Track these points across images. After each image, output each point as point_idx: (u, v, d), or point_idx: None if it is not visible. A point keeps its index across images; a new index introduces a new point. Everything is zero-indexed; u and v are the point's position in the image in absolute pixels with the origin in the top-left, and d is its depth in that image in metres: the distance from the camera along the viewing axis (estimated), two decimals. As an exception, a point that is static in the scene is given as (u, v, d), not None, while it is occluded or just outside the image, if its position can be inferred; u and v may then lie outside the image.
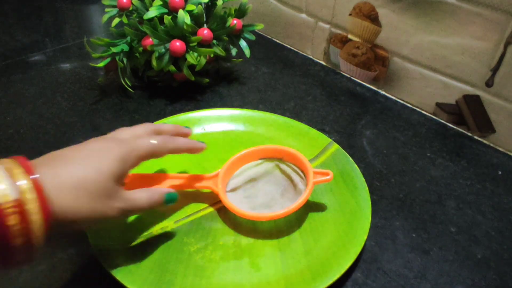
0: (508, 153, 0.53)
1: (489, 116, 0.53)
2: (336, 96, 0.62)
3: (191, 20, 0.55)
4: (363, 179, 0.44)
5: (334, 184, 0.45)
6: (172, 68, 0.54)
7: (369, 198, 0.42)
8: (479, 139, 0.55)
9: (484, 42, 0.50)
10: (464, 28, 0.51)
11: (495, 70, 0.50)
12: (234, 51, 0.62)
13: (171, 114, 0.53)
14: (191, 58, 0.54)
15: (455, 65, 0.54)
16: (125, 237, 0.38)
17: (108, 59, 0.56)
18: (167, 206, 0.36)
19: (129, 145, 0.34)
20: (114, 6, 0.60)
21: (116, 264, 0.35)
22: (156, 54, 0.53)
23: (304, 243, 0.39)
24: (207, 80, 0.60)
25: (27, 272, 0.36)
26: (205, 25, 0.57)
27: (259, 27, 0.61)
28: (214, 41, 0.57)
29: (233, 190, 0.42)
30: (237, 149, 0.48)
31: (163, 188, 0.36)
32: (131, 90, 0.58)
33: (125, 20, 0.58)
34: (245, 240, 0.39)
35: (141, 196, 0.34)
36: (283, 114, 0.54)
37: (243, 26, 0.61)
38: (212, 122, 0.52)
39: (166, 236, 0.39)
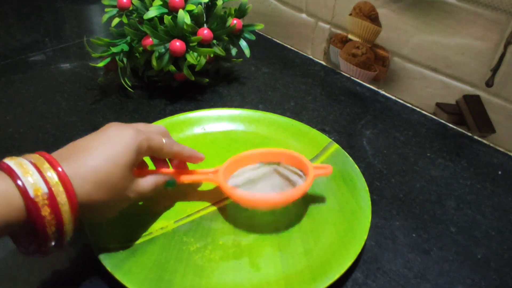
0: (508, 153, 0.53)
1: (489, 116, 0.53)
2: (336, 96, 0.62)
3: (191, 20, 0.55)
4: (363, 179, 0.44)
5: (334, 184, 0.45)
6: (172, 68, 0.54)
7: (369, 198, 0.42)
8: (479, 139, 0.55)
9: (484, 42, 0.50)
10: (464, 28, 0.51)
11: (495, 70, 0.50)
12: (234, 51, 0.62)
13: (171, 114, 0.53)
14: (191, 58, 0.54)
15: (455, 65, 0.54)
16: (125, 237, 0.38)
17: (108, 59, 0.56)
18: (169, 189, 0.40)
19: (145, 135, 0.36)
20: (114, 6, 0.60)
21: (116, 263, 0.35)
22: (156, 54, 0.53)
23: (304, 243, 0.39)
24: (207, 80, 0.60)
25: (27, 272, 0.36)
26: (205, 25, 0.57)
27: (259, 27, 0.61)
28: (214, 41, 0.57)
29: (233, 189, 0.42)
30: (237, 149, 0.48)
31: (166, 176, 0.39)
32: (131, 90, 0.58)
33: (125, 20, 0.58)
34: (244, 240, 0.39)
35: (148, 183, 0.36)
36: (283, 114, 0.54)
37: (243, 26, 0.61)
38: (212, 122, 0.52)
39: (166, 236, 0.39)
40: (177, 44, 0.53)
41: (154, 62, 0.54)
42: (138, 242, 0.38)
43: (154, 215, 0.41)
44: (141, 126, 0.38)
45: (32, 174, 0.28)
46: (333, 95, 0.62)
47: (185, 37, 0.54)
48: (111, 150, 0.33)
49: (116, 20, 0.60)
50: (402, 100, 0.61)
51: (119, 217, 0.39)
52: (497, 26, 0.48)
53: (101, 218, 0.37)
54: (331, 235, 0.39)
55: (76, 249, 0.38)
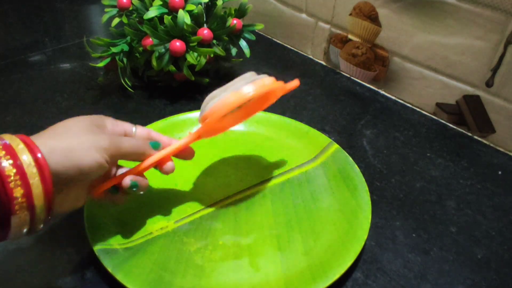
0: (508, 153, 0.53)
1: (489, 116, 0.53)
2: (336, 96, 0.62)
3: (191, 20, 0.55)
4: (363, 179, 0.44)
5: (334, 184, 0.45)
6: (172, 68, 0.54)
7: (369, 198, 0.42)
8: (479, 139, 0.55)
9: (484, 42, 0.50)
10: (464, 28, 0.51)
11: (495, 70, 0.50)
12: (234, 51, 0.62)
13: (171, 114, 0.53)
14: (191, 58, 0.54)
15: (455, 65, 0.54)
16: (125, 237, 0.38)
17: (108, 59, 0.56)
18: (155, 151, 0.37)
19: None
20: (114, 6, 0.60)
21: (116, 264, 0.35)
22: (156, 54, 0.53)
23: (304, 243, 0.39)
24: (207, 80, 0.60)
25: (27, 271, 0.36)
26: (205, 25, 0.57)
27: (259, 27, 0.61)
28: (214, 41, 0.57)
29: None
30: (237, 149, 0.48)
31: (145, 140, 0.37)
32: (131, 90, 0.58)
33: (125, 20, 0.58)
34: (244, 240, 0.39)
35: (128, 138, 0.35)
36: (283, 114, 0.54)
37: (243, 26, 0.61)
38: (212, 122, 0.52)
39: (166, 236, 0.39)
40: (177, 44, 0.53)
41: (154, 62, 0.54)
42: (138, 242, 0.38)
43: (154, 215, 0.41)
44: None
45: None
46: (333, 95, 0.62)
47: (185, 37, 0.53)
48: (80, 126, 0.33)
49: (116, 20, 0.60)
50: (402, 100, 0.61)
51: (119, 217, 0.39)
52: (497, 26, 0.48)
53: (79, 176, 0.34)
54: (331, 235, 0.39)
55: (77, 249, 0.38)
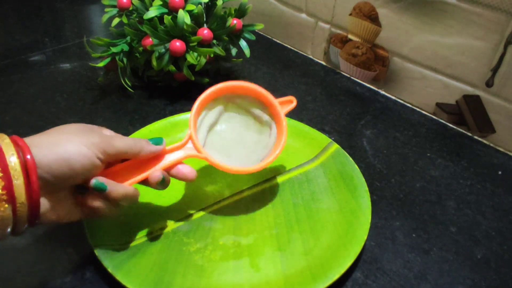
0: (508, 153, 0.53)
1: (489, 116, 0.53)
2: (336, 96, 0.62)
3: (191, 20, 0.55)
4: (363, 179, 0.44)
5: (334, 184, 0.45)
6: (172, 68, 0.54)
7: (369, 198, 0.42)
8: (479, 139, 0.55)
9: (484, 42, 0.50)
10: (464, 28, 0.51)
11: (495, 70, 0.50)
12: (234, 51, 0.62)
13: (171, 114, 0.53)
14: (191, 58, 0.54)
15: (455, 65, 0.54)
16: (125, 237, 0.38)
17: (108, 59, 0.56)
18: (157, 149, 0.36)
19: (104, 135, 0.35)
20: (114, 6, 0.60)
21: (116, 264, 0.35)
22: (156, 54, 0.53)
23: (304, 243, 0.39)
24: (207, 80, 0.60)
25: (27, 271, 0.36)
26: (205, 25, 0.57)
27: (259, 27, 0.61)
28: (214, 41, 0.57)
29: (203, 146, 0.40)
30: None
31: (145, 141, 0.36)
32: (131, 90, 0.58)
33: (125, 20, 0.58)
34: (244, 240, 0.39)
35: (126, 139, 0.35)
36: (283, 114, 0.54)
37: (243, 26, 0.61)
38: (212, 122, 0.52)
39: (166, 236, 0.39)
40: (177, 44, 0.53)
41: (154, 62, 0.54)
42: (138, 242, 0.38)
43: (154, 215, 0.41)
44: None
45: None
46: (333, 95, 0.62)
47: (185, 37, 0.53)
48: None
49: (116, 20, 0.60)
50: (402, 100, 0.61)
51: (119, 217, 0.39)
52: (497, 26, 0.48)
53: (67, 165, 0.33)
54: (331, 235, 0.39)
55: (77, 250, 0.38)
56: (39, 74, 0.62)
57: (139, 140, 0.35)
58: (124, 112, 0.56)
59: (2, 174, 0.27)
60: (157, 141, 0.36)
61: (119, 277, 0.34)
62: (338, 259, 0.36)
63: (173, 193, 0.43)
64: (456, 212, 0.44)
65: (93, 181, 0.33)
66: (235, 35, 0.61)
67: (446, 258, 0.39)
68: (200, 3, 0.55)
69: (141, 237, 0.38)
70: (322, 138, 0.50)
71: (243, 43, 0.61)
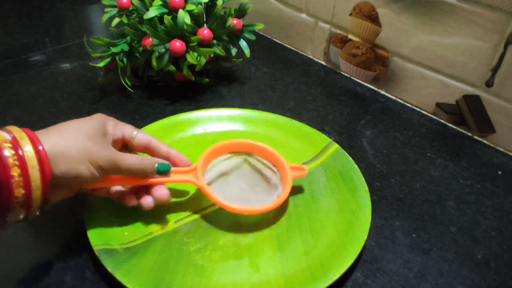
0: (508, 153, 0.53)
1: (489, 116, 0.53)
2: (336, 96, 0.62)
3: (191, 20, 0.55)
4: (363, 179, 0.44)
5: (334, 184, 0.45)
6: (172, 68, 0.54)
7: (369, 198, 0.42)
8: (479, 139, 0.55)
9: (484, 42, 0.50)
10: (464, 28, 0.51)
11: (495, 70, 0.50)
12: (234, 51, 0.62)
13: (171, 114, 0.53)
14: (191, 58, 0.54)
15: (455, 65, 0.54)
16: (125, 237, 0.38)
17: (108, 59, 0.56)
18: (160, 177, 0.38)
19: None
20: (114, 6, 0.60)
21: (116, 264, 0.35)
22: (156, 54, 0.53)
23: (304, 243, 0.39)
24: (207, 80, 0.60)
25: (27, 271, 0.36)
26: (205, 25, 0.57)
27: (259, 27, 0.61)
28: (214, 41, 0.57)
29: (208, 184, 0.42)
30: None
31: (155, 158, 0.38)
32: (131, 90, 0.58)
33: (125, 20, 0.58)
34: (244, 240, 0.39)
35: (132, 157, 0.36)
36: (283, 114, 0.54)
37: (243, 26, 0.61)
38: (212, 122, 0.52)
39: (166, 236, 0.39)
40: (177, 44, 0.53)
41: (154, 62, 0.54)
42: (138, 242, 0.38)
43: (154, 215, 0.40)
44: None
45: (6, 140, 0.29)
46: (333, 95, 0.62)
47: (185, 37, 0.53)
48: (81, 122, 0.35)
49: (116, 20, 0.60)
50: (402, 100, 0.61)
51: (119, 218, 0.39)
52: (497, 26, 0.48)
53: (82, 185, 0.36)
54: (331, 235, 0.39)
55: (77, 249, 0.38)
56: (39, 74, 0.62)
57: (146, 164, 0.37)
58: (124, 112, 0.56)
59: (18, 163, 0.29)
60: (165, 169, 0.38)
61: (119, 277, 0.34)
62: (338, 259, 0.36)
63: (173, 193, 0.43)
64: (456, 212, 0.44)
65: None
66: (235, 35, 0.61)
67: (446, 258, 0.39)
68: (200, 3, 0.55)
69: (141, 237, 0.38)
70: (322, 138, 0.50)
71: (243, 43, 0.61)
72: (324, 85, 0.65)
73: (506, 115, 0.51)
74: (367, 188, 0.43)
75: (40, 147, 0.30)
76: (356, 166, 0.46)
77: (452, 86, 0.55)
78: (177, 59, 0.55)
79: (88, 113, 0.55)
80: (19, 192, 0.29)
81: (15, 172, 0.28)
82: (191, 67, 0.56)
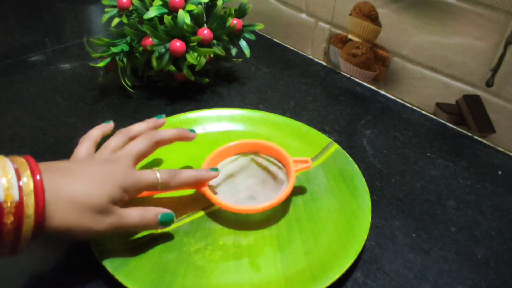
0: (508, 153, 0.53)
1: (489, 116, 0.53)
2: (336, 96, 0.62)
3: (191, 20, 0.55)
4: (363, 179, 0.44)
5: (334, 184, 0.45)
6: (172, 68, 0.54)
7: (369, 198, 0.42)
8: (479, 139, 0.55)
9: (484, 42, 0.50)
10: (464, 28, 0.51)
11: (495, 70, 0.50)
12: (234, 51, 0.62)
13: (171, 114, 0.53)
14: (191, 58, 0.54)
15: (455, 65, 0.54)
16: (125, 237, 0.38)
17: (108, 59, 0.56)
18: (164, 227, 0.37)
19: (135, 178, 0.35)
20: (114, 6, 0.60)
21: (116, 264, 0.35)
22: (156, 54, 0.53)
23: (304, 243, 0.39)
24: (207, 80, 0.60)
25: (27, 272, 0.36)
26: (205, 25, 0.57)
27: (259, 27, 0.61)
28: (214, 41, 0.57)
29: (215, 187, 0.42)
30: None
31: (160, 208, 0.37)
32: (131, 90, 0.58)
33: (125, 20, 0.58)
34: (245, 240, 0.39)
35: (134, 214, 0.35)
36: (283, 114, 0.54)
37: (243, 26, 0.61)
38: (212, 122, 0.52)
39: (166, 236, 0.39)
40: (177, 44, 0.53)
41: (154, 62, 0.54)
42: (138, 243, 0.38)
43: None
44: (128, 152, 0.37)
45: (10, 177, 0.28)
46: (333, 95, 0.62)
47: (185, 37, 0.53)
48: (97, 179, 0.33)
49: (116, 20, 0.60)
50: (402, 100, 0.61)
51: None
52: (497, 26, 0.48)
53: (68, 238, 0.36)
54: (331, 235, 0.39)
55: (77, 250, 0.38)
56: (39, 74, 0.62)
57: (148, 218, 0.36)
58: (124, 112, 0.56)
59: (14, 226, 0.28)
60: (168, 219, 0.37)
61: (120, 277, 0.34)
62: (338, 259, 0.36)
63: (173, 193, 0.43)
64: (456, 212, 0.44)
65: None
66: (235, 35, 0.61)
67: (446, 258, 0.39)
68: (200, 3, 0.55)
69: (141, 237, 0.38)
70: (322, 138, 0.50)
71: (243, 43, 0.61)
72: (324, 85, 0.65)
73: (506, 115, 0.51)
74: (367, 188, 0.43)
75: (38, 177, 0.29)
76: (356, 166, 0.46)
77: (452, 86, 0.55)
78: (177, 59, 0.55)
79: (88, 113, 0.56)
80: (9, 219, 0.27)
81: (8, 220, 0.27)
82: (191, 67, 0.56)
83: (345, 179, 0.45)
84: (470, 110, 0.54)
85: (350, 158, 0.47)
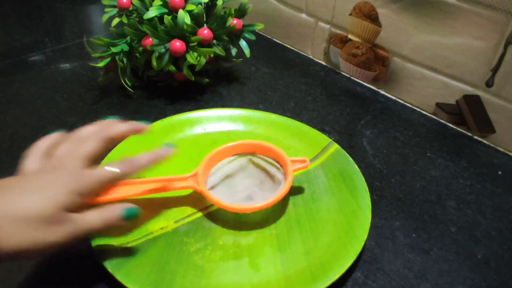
0: (508, 153, 0.53)
1: (489, 116, 0.53)
2: (336, 96, 0.62)
3: (191, 20, 0.55)
4: (363, 179, 0.44)
5: (334, 184, 0.45)
6: (172, 68, 0.54)
7: (369, 198, 0.42)
8: (479, 139, 0.55)
9: (484, 42, 0.50)
10: (464, 28, 0.51)
11: (495, 70, 0.50)
12: (234, 51, 0.62)
13: (171, 114, 0.53)
14: (191, 58, 0.54)
15: (455, 65, 0.54)
16: (125, 237, 0.38)
17: (108, 59, 0.56)
18: (129, 222, 0.34)
19: (86, 178, 0.33)
20: (114, 6, 0.60)
21: (116, 264, 0.35)
22: (156, 54, 0.53)
23: (304, 243, 0.39)
24: (207, 80, 0.60)
25: (27, 272, 0.36)
26: (205, 25, 0.57)
27: (259, 27, 0.61)
28: (214, 41, 0.57)
29: (212, 187, 0.42)
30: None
31: (120, 204, 0.34)
32: (131, 90, 0.58)
33: (125, 20, 0.58)
34: (244, 240, 0.39)
35: (92, 216, 0.32)
36: (283, 114, 0.54)
37: (243, 26, 0.61)
38: (212, 122, 0.52)
39: (166, 236, 0.39)
40: (177, 44, 0.53)
41: (154, 62, 0.54)
42: (138, 242, 0.38)
43: (154, 215, 0.41)
44: (74, 155, 0.34)
45: None
46: (333, 95, 0.62)
47: (185, 37, 0.53)
48: (44, 190, 0.30)
49: (116, 20, 0.60)
50: (402, 100, 0.61)
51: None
52: (497, 26, 0.48)
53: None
54: (331, 235, 0.39)
55: (77, 250, 0.38)
56: (39, 74, 0.62)
57: (110, 217, 0.33)
58: (124, 112, 0.56)
59: None
60: (133, 213, 0.34)
61: (119, 277, 0.34)
62: (338, 259, 0.36)
63: (173, 193, 0.43)
64: (456, 212, 0.44)
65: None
66: (235, 35, 0.61)
67: (446, 258, 0.39)
68: (200, 3, 0.55)
69: (141, 237, 0.38)
70: (322, 138, 0.50)
71: (243, 43, 0.61)
72: (324, 85, 0.65)
73: (506, 115, 0.51)
74: (367, 188, 0.43)
75: None
76: (356, 166, 0.46)
77: (452, 86, 0.55)
78: (177, 59, 0.55)
79: (88, 113, 0.56)
80: None
81: None
82: (191, 67, 0.56)
83: (345, 179, 0.45)
84: (470, 110, 0.54)
85: (350, 158, 0.47)
